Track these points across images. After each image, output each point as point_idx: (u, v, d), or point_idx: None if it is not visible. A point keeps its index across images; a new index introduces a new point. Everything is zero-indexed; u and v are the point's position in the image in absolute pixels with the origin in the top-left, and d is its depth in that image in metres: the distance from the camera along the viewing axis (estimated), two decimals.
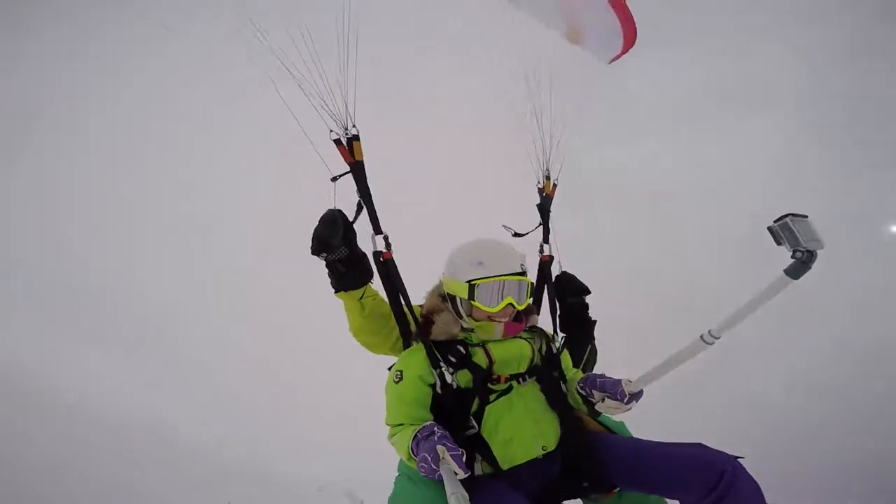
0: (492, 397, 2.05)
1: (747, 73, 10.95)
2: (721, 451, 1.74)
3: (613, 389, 2.02)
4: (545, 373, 2.21)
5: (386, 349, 2.33)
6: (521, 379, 2.12)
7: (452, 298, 2.21)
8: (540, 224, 2.89)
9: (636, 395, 2.02)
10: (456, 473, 1.62)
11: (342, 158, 2.27)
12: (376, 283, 2.29)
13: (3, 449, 4.92)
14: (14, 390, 6.49)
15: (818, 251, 1.59)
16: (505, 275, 2.09)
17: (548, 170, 2.99)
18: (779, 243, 1.63)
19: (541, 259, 2.82)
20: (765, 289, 1.63)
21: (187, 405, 7.67)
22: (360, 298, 2.21)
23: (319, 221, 2.15)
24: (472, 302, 2.09)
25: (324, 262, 2.17)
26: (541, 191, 2.98)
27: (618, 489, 2.06)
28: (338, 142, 2.26)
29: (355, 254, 2.17)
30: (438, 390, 2.03)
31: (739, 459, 1.70)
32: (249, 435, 7.87)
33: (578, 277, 2.86)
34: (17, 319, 8.35)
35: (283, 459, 7.78)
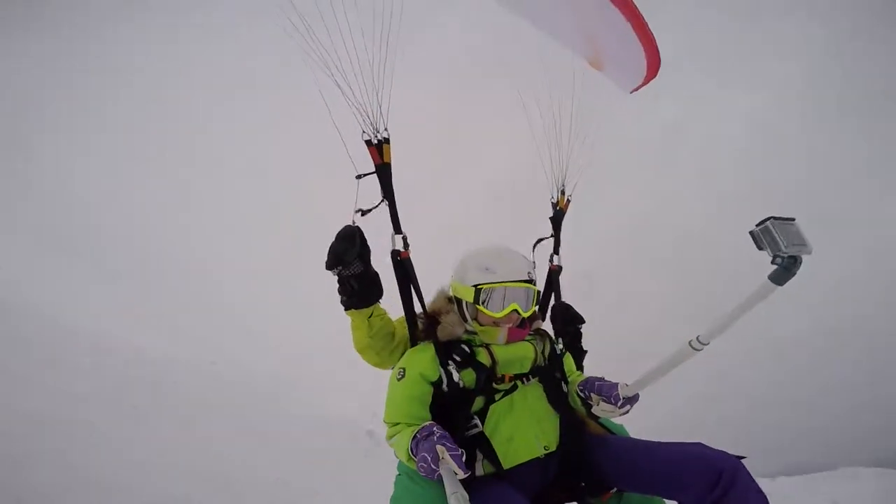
0: (497, 396, 2.07)
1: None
2: (721, 451, 1.71)
3: (609, 393, 2.03)
4: (547, 373, 2.23)
5: (390, 366, 2.33)
6: (524, 379, 2.14)
7: (459, 301, 2.23)
8: (551, 235, 2.94)
9: (631, 399, 2.01)
10: (456, 473, 1.62)
11: (371, 159, 2.30)
12: (389, 287, 2.29)
13: None
14: None
15: (804, 256, 1.52)
16: (512, 282, 2.10)
17: (563, 184, 3.04)
18: (760, 248, 1.55)
19: (550, 268, 2.84)
20: (750, 295, 1.59)
21: None
22: (370, 317, 2.21)
23: (336, 236, 2.12)
24: (478, 306, 2.11)
25: (336, 278, 2.16)
26: (555, 205, 3.01)
27: (614, 490, 2.06)
28: (368, 143, 2.29)
29: (369, 272, 2.17)
30: (444, 388, 2.05)
31: (742, 459, 1.68)
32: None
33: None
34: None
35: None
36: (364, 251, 2.17)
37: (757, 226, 1.53)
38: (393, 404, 2.08)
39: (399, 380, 2.07)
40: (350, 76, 2.11)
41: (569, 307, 2.82)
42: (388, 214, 2.32)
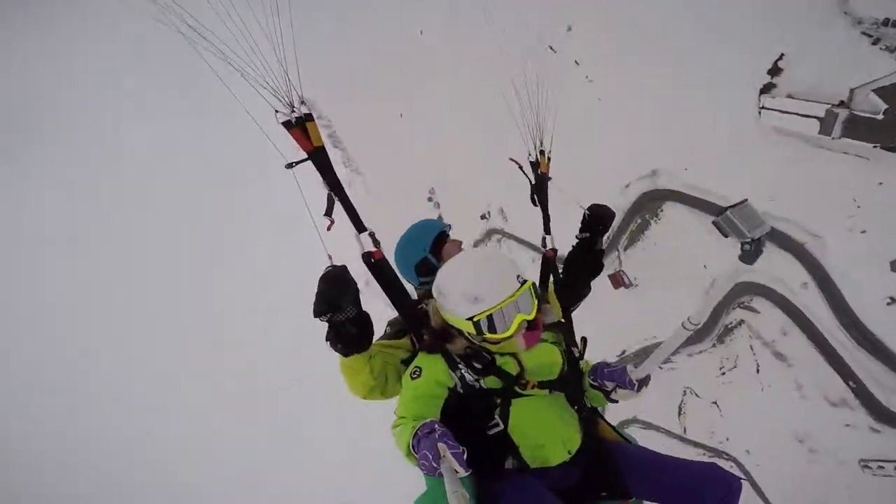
0: (518, 398, 2.02)
1: None
2: (731, 472, 1.94)
3: (622, 379, 2.08)
4: (571, 377, 2.21)
5: (394, 395, 2.24)
6: (550, 389, 2.09)
7: (460, 330, 2.06)
8: (535, 204, 2.61)
9: (644, 381, 2.08)
10: (456, 472, 1.59)
11: (297, 145, 1.94)
12: (373, 290, 2.13)
13: None
14: None
15: (766, 234, 1.64)
16: (505, 300, 1.93)
17: (541, 142, 2.61)
18: (726, 236, 1.70)
19: (545, 255, 2.58)
20: (726, 276, 1.74)
21: None
22: (370, 358, 2.08)
23: (324, 280, 1.90)
24: (484, 335, 1.98)
25: (327, 325, 1.94)
26: (534, 165, 2.62)
27: (633, 500, 2.10)
28: (287, 124, 1.92)
29: (362, 313, 1.97)
30: (459, 390, 1.98)
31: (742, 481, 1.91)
32: None
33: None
34: None
35: None
36: (356, 293, 1.97)
37: (717, 216, 1.63)
38: (404, 400, 2.04)
39: (413, 378, 2.03)
40: (245, 55, 1.75)
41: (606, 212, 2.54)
42: (343, 211, 2.05)
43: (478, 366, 2.00)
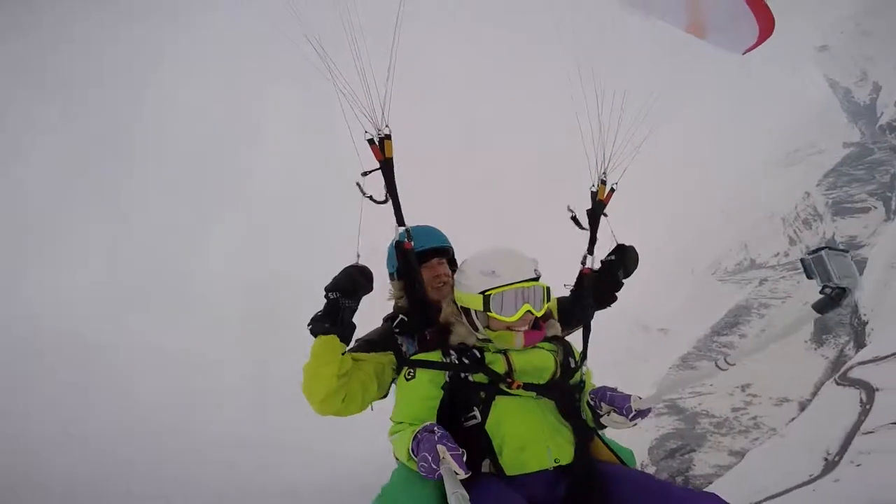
0: (502, 394, 2.04)
1: None
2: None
3: (621, 404, 1.98)
4: (563, 386, 2.15)
5: (355, 410, 2.24)
6: (538, 392, 2.08)
7: (466, 311, 2.18)
8: (586, 229, 2.68)
9: (642, 413, 1.96)
10: (456, 473, 1.64)
11: (373, 156, 2.43)
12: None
13: None
14: None
15: (852, 289, 1.53)
16: (519, 282, 2.07)
17: (605, 173, 2.75)
18: (810, 277, 1.57)
19: (581, 271, 2.62)
20: (789, 322, 1.64)
21: None
22: (343, 353, 2.17)
23: (356, 268, 2.20)
24: (489, 313, 2.07)
25: (328, 301, 2.17)
26: (594, 195, 2.75)
27: None
28: (371, 141, 2.41)
29: (352, 316, 2.24)
30: (447, 378, 2.05)
31: None
32: None
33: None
34: None
35: None
36: (366, 293, 2.28)
37: (809, 254, 1.55)
38: (400, 402, 2.12)
39: (408, 380, 2.11)
40: (349, 82, 2.27)
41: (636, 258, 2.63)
42: (392, 208, 2.42)
43: (466, 362, 2.06)
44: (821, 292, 1.54)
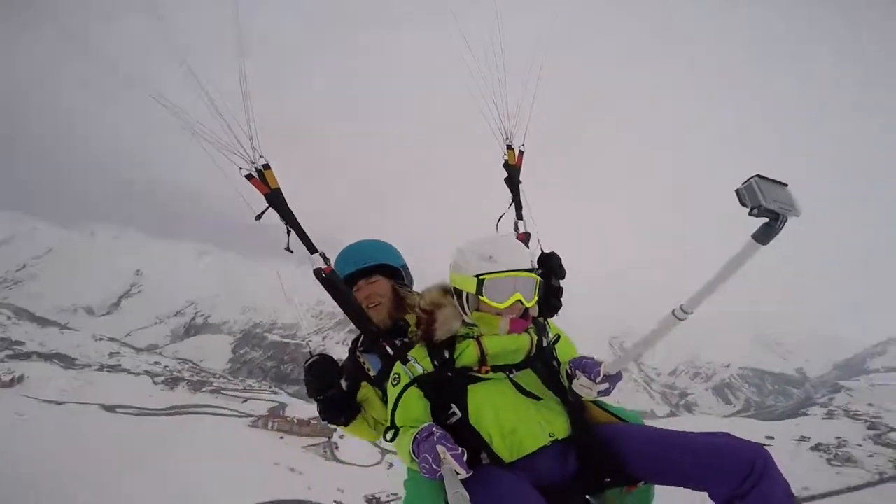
0: (473, 385, 2.01)
1: None
2: (748, 441, 1.72)
3: (591, 369, 1.94)
4: (540, 361, 2.14)
5: (373, 439, 2.59)
6: (510, 371, 2.05)
7: (458, 293, 2.14)
8: (511, 201, 2.74)
9: (613, 378, 1.92)
10: (457, 473, 1.63)
11: (258, 191, 2.21)
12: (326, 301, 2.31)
13: None
14: None
15: (788, 216, 1.51)
16: (515, 271, 2.03)
17: (509, 137, 2.77)
18: (742, 204, 1.55)
19: (517, 238, 2.66)
20: (733, 257, 1.59)
21: None
22: (363, 415, 2.45)
23: (311, 373, 2.30)
24: (481, 297, 2.03)
25: (317, 406, 2.34)
26: (506, 161, 2.79)
27: (641, 483, 1.92)
28: (249, 176, 2.20)
29: (344, 389, 2.39)
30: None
31: (766, 447, 1.69)
32: None
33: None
34: None
35: None
36: (341, 372, 2.36)
37: (742, 184, 1.55)
38: (392, 408, 2.08)
39: (395, 385, 2.09)
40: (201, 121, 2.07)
41: (560, 261, 2.61)
42: (298, 237, 2.26)
43: (436, 363, 2.07)
44: (750, 214, 1.53)
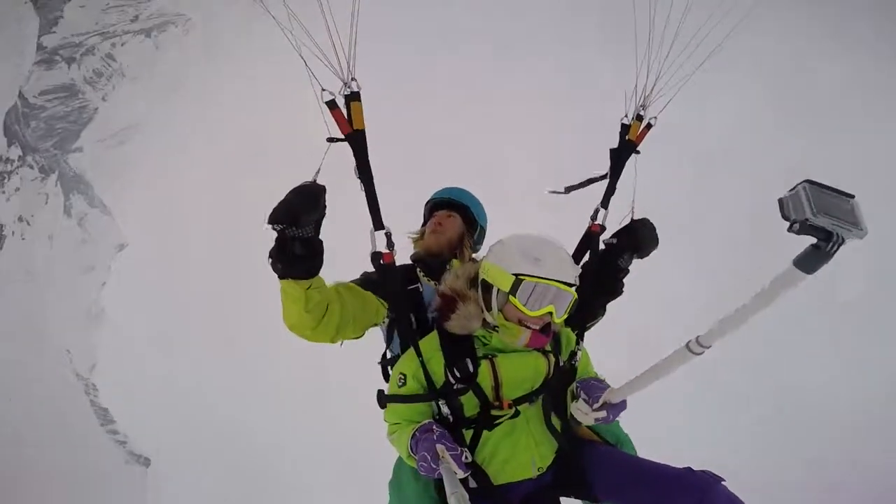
0: (493, 424, 1.89)
1: None
2: (705, 473, 1.73)
3: (594, 394, 1.86)
4: (554, 387, 2.02)
5: (326, 339, 1.99)
6: (529, 400, 1.94)
7: (487, 287, 1.93)
8: (605, 175, 2.32)
9: (616, 406, 1.83)
10: (455, 473, 1.62)
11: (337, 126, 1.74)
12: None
13: None
14: None
15: (847, 237, 1.12)
16: (558, 281, 1.82)
17: (643, 105, 2.24)
18: (785, 217, 1.19)
19: (589, 228, 2.34)
20: (768, 285, 1.24)
21: None
22: (307, 289, 1.79)
23: (295, 191, 1.66)
24: (511, 298, 1.82)
25: (275, 237, 1.68)
26: (624, 131, 2.31)
27: (601, 502, 1.94)
28: (331, 104, 1.72)
29: (316, 240, 1.72)
30: (435, 416, 1.94)
31: (723, 483, 1.68)
32: None
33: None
34: None
35: None
36: (321, 216, 1.73)
37: (788, 191, 1.22)
38: (394, 408, 1.99)
39: (400, 386, 1.98)
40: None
41: (653, 229, 2.30)
42: (365, 202, 1.87)
43: (458, 374, 1.88)
44: (788, 230, 1.15)
